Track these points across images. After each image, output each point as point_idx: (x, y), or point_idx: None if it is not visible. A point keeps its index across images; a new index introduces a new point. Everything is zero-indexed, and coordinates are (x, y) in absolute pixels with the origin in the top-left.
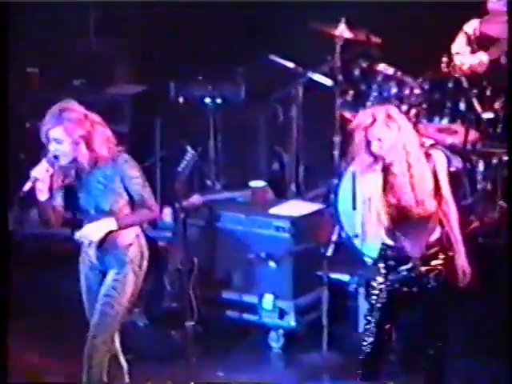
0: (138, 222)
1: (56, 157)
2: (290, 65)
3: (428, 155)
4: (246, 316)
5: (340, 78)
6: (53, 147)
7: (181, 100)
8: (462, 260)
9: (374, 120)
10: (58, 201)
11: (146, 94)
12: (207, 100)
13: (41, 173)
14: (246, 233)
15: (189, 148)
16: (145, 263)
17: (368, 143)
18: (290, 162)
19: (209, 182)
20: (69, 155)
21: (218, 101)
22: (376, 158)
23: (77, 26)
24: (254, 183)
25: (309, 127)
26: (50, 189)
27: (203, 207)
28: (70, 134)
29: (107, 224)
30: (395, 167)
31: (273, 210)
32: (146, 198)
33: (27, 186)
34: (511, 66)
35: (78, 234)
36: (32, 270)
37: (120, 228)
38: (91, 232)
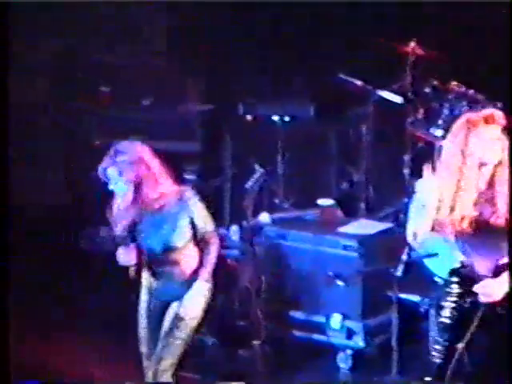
0: (216, 262)
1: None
2: (359, 83)
3: None
4: (314, 336)
5: (411, 95)
6: (112, 186)
7: (249, 118)
8: None
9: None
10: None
11: (214, 112)
12: (275, 118)
13: (125, 258)
14: (314, 251)
15: (257, 166)
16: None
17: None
18: (359, 180)
19: (277, 201)
20: (127, 194)
21: (287, 119)
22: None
23: (148, 45)
24: (322, 201)
25: (379, 145)
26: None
27: (271, 225)
28: (124, 175)
29: (203, 291)
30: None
31: (341, 229)
32: (211, 232)
33: (132, 272)
34: (511, 67)
35: (176, 319)
36: (104, 288)
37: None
38: (191, 311)
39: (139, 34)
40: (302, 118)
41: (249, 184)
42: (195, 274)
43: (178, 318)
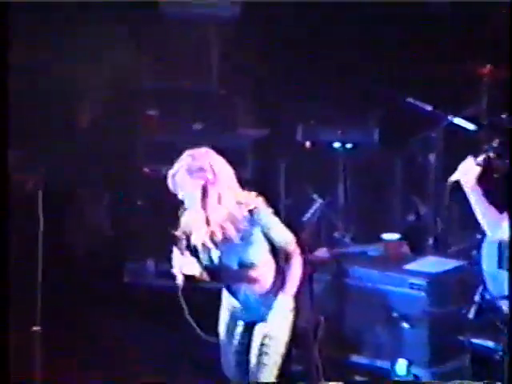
0: (301, 276)
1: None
2: (429, 107)
3: None
4: (378, 382)
5: (485, 121)
6: (180, 194)
7: (307, 144)
8: None
9: None
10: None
11: (270, 138)
12: (336, 145)
13: (181, 261)
14: (377, 290)
15: (315, 196)
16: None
17: None
18: (427, 212)
19: (337, 234)
20: (194, 203)
21: (348, 146)
22: None
23: (196, 66)
24: (387, 236)
25: (448, 175)
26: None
27: (331, 261)
28: (193, 180)
29: (287, 307)
30: None
31: (408, 266)
32: (289, 242)
33: (180, 280)
34: (511, 67)
35: (265, 339)
36: (145, 321)
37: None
38: (278, 328)
39: (189, 56)
40: (365, 144)
41: (306, 216)
42: (274, 288)
43: (266, 338)
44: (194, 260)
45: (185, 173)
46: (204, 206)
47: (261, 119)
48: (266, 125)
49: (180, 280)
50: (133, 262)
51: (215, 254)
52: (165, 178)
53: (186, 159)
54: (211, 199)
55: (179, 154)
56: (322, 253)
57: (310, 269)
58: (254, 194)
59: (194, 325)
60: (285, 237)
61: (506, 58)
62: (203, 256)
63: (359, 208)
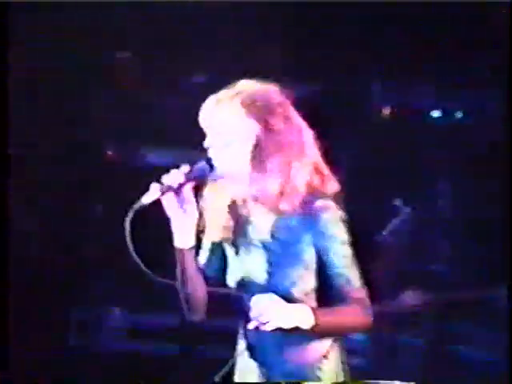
0: (343, 329)
1: (209, 162)
2: None
3: None
4: None
5: None
6: (212, 141)
7: (386, 111)
8: None
9: None
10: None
11: (320, 98)
12: (435, 114)
13: (176, 179)
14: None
15: (399, 202)
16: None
17: None
18: None
19: (434, 266)
20: (236, 161)
21: (459, 115)
22: None
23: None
24: None
25: None
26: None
27: (425, 313)
28: (245, 123)
29: (303, 315)
30: None
31: None
32: (355, 286)
33: (150, 197)
34: (511, 67)
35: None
36: None
37: (317, 328)
38: (278, 316)
39: None
40: (483, 114)
41: (383, 234)
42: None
43: None
44: (194, 206)
45: (239, 105)
46: (254, 170)
47: (302, 67)
48: (313, 77)
49: (151, 195)
50: (85, 311)
51: (233, 265)
52: (139, 167)
53: (245, 88)
54: (270, 164)
55: (166, 126)
56: (409, 297)
57: (389, 327)
58: (336, 185)
59: (142, 265)
60: (348, 266)
61: (506, 58)
62: (211, 263)
63: (472, 221)
